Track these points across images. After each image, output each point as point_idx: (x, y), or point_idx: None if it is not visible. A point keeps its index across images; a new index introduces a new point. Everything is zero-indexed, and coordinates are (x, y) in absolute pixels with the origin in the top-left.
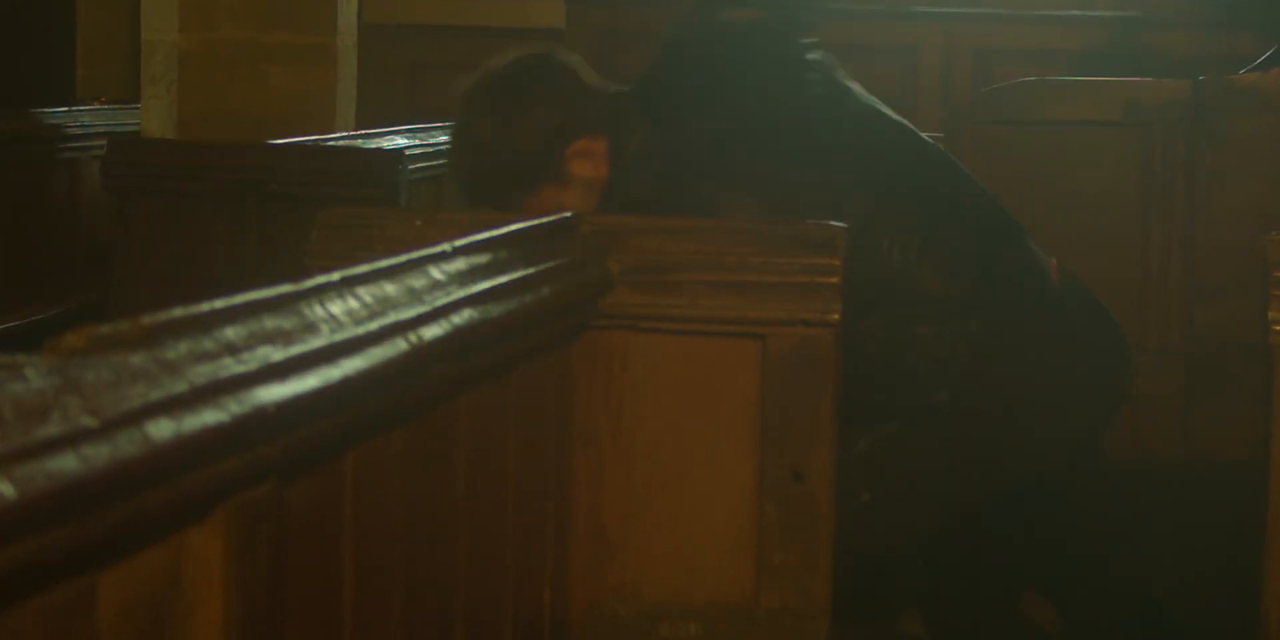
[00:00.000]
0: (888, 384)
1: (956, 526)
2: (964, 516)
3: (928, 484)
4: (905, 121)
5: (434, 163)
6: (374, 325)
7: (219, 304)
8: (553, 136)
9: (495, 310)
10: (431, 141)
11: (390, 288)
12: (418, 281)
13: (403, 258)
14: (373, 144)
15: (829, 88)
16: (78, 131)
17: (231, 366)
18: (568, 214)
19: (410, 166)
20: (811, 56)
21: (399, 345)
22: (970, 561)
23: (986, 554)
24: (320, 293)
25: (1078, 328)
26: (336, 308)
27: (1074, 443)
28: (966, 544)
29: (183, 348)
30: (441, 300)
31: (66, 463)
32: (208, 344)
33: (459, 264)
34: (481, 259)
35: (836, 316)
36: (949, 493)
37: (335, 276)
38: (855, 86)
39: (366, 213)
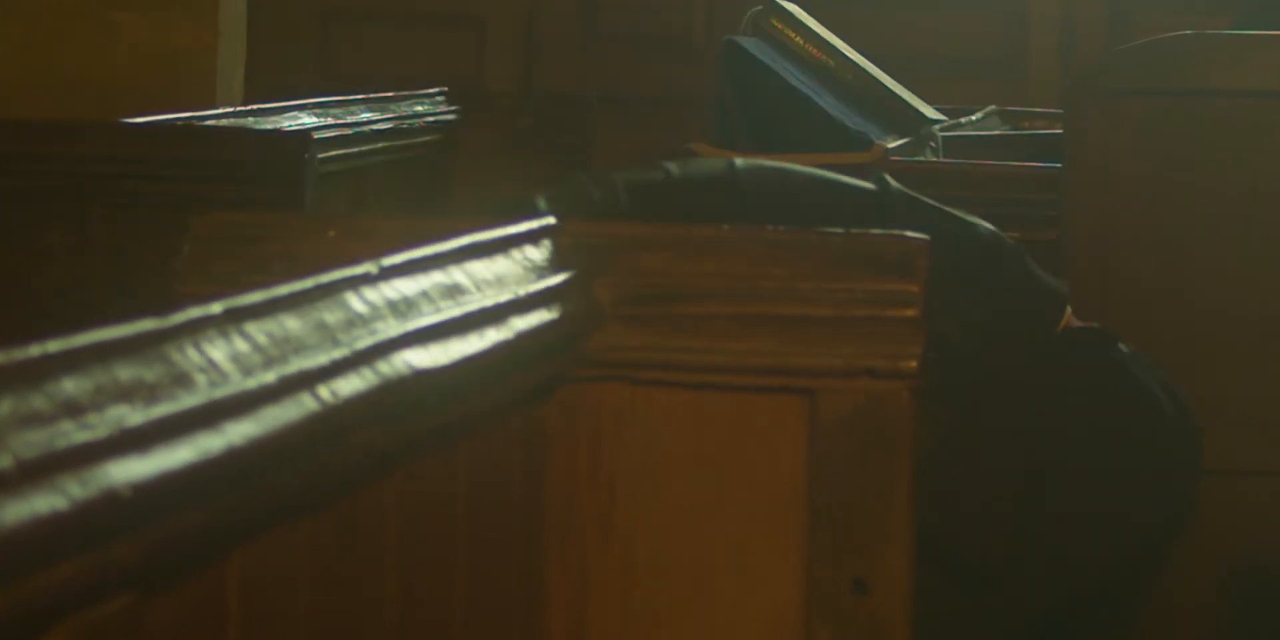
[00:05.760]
0: None
1: None
2: None
3: None
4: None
5: (352, 149)
6: (270, 376)
7: (53, 347)
8: None
9: (439, 355)
10: (349, 120)
11: (293, 324)
12: (331, 315)
13: (310, 282)
14: (268, 123)
15: None
16: None
17: (71, 433)
18: (540, 222)
19: (320, 155)
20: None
21: (305, 404)
22: None
23: None
24: (195, 331)
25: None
26: (218, 352)
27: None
28: None
29: (3, 407)
30: (364, 341)
31: None
32: (38, 402)
33: (388, 291)
34: (420, 284)
35: (915, 364)
36: None
37: (216, 308)
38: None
39: (259, 219)
